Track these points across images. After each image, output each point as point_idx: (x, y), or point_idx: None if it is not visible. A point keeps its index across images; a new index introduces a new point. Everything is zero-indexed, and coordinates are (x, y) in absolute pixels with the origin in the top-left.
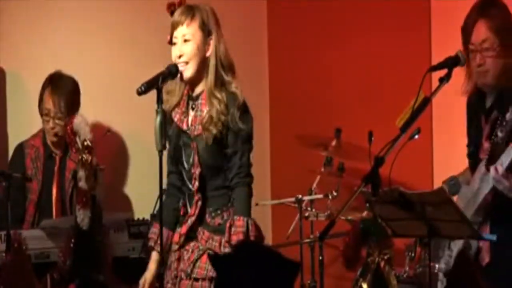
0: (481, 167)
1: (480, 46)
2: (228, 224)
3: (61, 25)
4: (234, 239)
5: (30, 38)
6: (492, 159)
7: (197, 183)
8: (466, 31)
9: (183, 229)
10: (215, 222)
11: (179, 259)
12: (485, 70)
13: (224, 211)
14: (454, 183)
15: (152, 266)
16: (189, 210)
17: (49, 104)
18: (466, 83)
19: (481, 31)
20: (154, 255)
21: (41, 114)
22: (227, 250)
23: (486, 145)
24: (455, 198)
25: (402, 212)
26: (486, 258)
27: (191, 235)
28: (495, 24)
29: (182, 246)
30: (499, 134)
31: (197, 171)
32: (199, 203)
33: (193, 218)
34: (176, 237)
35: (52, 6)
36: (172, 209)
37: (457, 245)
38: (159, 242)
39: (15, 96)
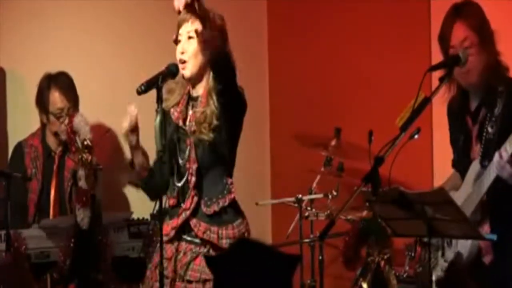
0: (475, 167)
1: (461, 46)
2: None
3: (61, 25)
4: None
5: (30, 37)
6: (487, 155)
7: (194, 179)
8: (444, 38)
9: (176, 221)
10: (211, 210)
11: (170, 259)
12: (467, 69)
13: (220, 199)
14: None
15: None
16: (181, 203)
17: (61, 103)
18: (449, 91)
19: (460, 31)
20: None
21: (48, 117)
22: (224, 241)
23: (477, 146)
24: None
25: (402, 211)
26: (488, 257)
27: (184, 227)
28: (473, 22)
29: (171, 240)
30: (490, 130)
31: (193, 166)
32: (195, 198)
33: (187, 212)
34: (166, 229)
35: (52, 5)
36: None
37: (451, 254)
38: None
39: (15, 95)
